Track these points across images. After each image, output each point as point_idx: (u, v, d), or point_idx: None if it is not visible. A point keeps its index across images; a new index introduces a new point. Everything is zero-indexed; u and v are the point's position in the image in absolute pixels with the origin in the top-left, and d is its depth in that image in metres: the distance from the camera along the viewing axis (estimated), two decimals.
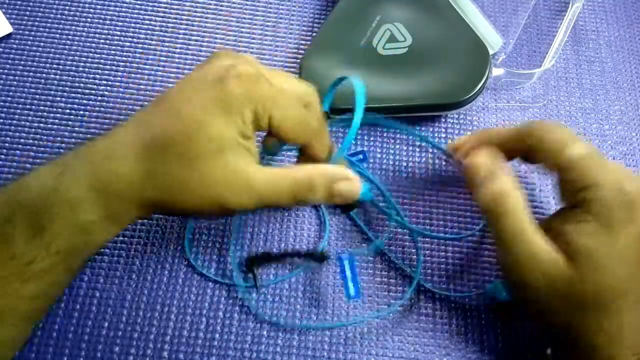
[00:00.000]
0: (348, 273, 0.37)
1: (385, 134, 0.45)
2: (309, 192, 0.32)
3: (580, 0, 0.49)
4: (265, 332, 0.38)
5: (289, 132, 0.33)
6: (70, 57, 0.46)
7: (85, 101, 0.45)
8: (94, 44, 0.47)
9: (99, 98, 0.45)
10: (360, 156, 0.43)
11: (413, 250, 0.41)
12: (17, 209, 0.30)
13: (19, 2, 0.48)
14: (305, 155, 0.36)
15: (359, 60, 0.43)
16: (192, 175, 0.31)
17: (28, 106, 0.44)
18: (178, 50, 0.47)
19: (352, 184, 0.33)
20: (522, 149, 0.36)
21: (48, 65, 0.46)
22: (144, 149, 0.31)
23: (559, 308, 0.32)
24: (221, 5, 0.50)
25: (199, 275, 0.40)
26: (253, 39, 0.48)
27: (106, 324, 0.38)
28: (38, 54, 0.46)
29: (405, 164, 0.44)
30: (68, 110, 0.44)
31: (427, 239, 0.42)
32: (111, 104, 0.45)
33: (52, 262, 0.30)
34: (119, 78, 0.46)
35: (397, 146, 0.45)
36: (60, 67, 0.46)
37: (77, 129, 0.43)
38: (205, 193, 0.31)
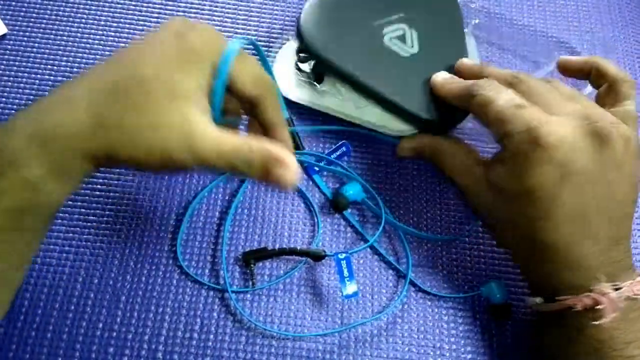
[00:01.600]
0: (345, 272, 0.38)
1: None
2: (245, 164, 0.31)
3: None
4: (260, 333, 0.38)
5: (247, 84, 0.33)
6: (65, 58, 0.46)
7: None
8: (88, 45, 0.47)
9: None
10: (344, 148, 0.43)
11: (409, 251, 0.41)
12: None
13: (14, 3, 0.48)
14: (259, 119, 0.35)
15: (363, 36, 0.43)
16: (144, 122, 0.30)
17: (22, 107, 0.44)
18: None
19: (287, 172, 0.31)
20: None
21: (42, 66, 0.46)
22: (96, 98, 0.30)
23: (497, 228, 0.39)
24: (215, 7, 0.50)
25: (193, 277, 0.40)
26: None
27: (100, 325, 0.38)
28: (32, 54, 0.46)
29: (392, 162, 0.45)
30: None
31: (422, 240, 0.42)
32: None
33: (2, 222, 0.29)
34: None
35: (383, 145, 0.45)
36: (55, 67, 0.46)
37: None
38: (154, 141, 0.30)
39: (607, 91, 0.38)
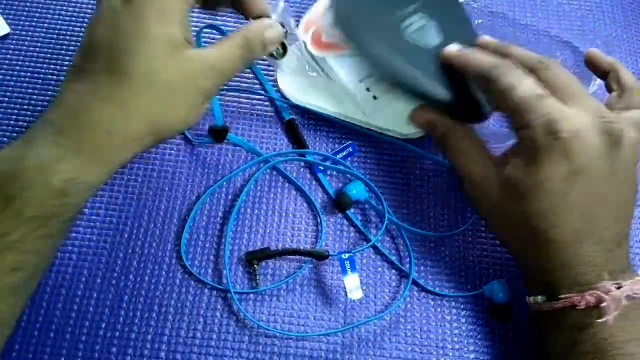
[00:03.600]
0: (349, 272, 0.38)
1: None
2: (250, 50, 0.36)
3: None
4: (262, 332, 0.38)
5: None
6: (68, 58, 0.46)
7: None
8: None
9: None
10: (350, 149, 0.44)
11: (412, 250, 0.41)
12: None
13: (16, 3, 0.48)
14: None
15: (381, 31, 0.41)
16: (168, 83, 0.32)
17: (25, 106, 0.44)
18: None
19: (274, 29, 0.37)
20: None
21: (45, 65, 0.46)
22: (101, 90, 0.31)
23: (492, 218, 0.38)
24: None
25: (196, 276, 0.40)
26: None
27: (103, 325, 0.38)
28: (35, 54, 0.46)
29: (395, 162, 0.44)
30: None
31: (425, 239, 0.42)
32: None
33: (27, 230, 0.29)
34: None
35: (387, 145, 0.45)
36: (58, 67, 0.46)
37: None
38: (188, 96, 0.33)
39: (619, 97, 0.39)
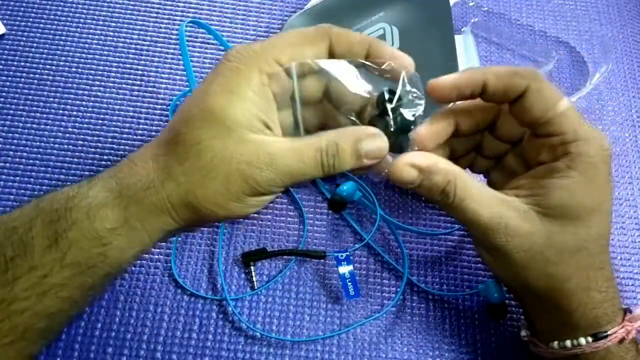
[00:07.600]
0: (346, 272, 0.38)
1: None
2: (336, 158, 0.30)
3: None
4: (258, 334, 0.38)
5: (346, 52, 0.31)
6: (63, 58, 0.46)
7: (78, 102, 0.45)
8: (87, 45, 0.47)
9: (92, 98, 0.45)
10: None
11: (406, 249, 0.41)
12: (38, 214, 0.29)
13: (12, 3, 0.48)
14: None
15: None
16: (211, 160, 0.29)
17: (21, 107, 0.44)
18: (171, 50, 0.47)
19: (377, 141, 0.30)
20: (512, 91, 0.31)
21: (41, 66, 0.46)
22: (158, 148, 0.30)
23: (535, 264, 0.31)
24: (214, 7, 0.49)
25: (191, 277, 0.40)
26: (247, 39, 0.48)
27: (99, 325, 0.38)
28: (31, 54, 0.46)
29: None
30: (61, 111, 0.44)
31: (420, 239, 0.42)
32: (104, 105, 0.45)
33: (67, 275, 0.29)
34: (112, 78, 0.46)
35: None
36: (54, 67, 0.46)
37: (70, 129, 0.43)
38: (228, 178, 0.29)
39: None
